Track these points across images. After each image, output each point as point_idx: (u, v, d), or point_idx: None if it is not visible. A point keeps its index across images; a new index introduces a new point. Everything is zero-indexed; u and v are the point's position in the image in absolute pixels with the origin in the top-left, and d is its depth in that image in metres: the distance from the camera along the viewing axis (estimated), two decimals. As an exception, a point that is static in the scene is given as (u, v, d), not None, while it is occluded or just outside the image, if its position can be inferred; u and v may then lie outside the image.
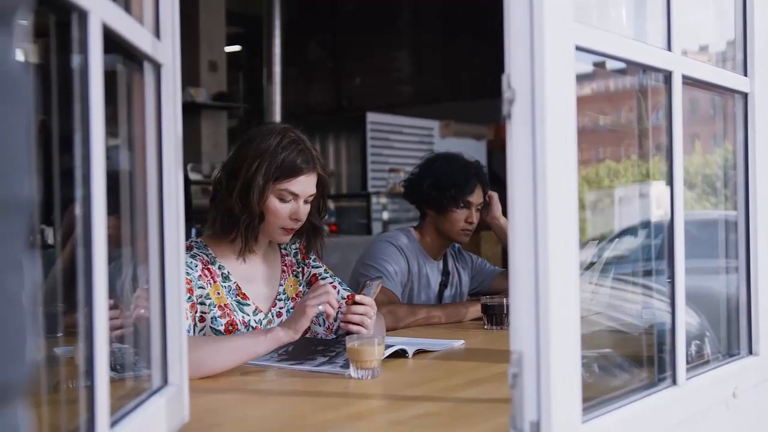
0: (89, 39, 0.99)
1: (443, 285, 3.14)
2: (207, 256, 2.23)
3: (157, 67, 1.34)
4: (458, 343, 2.36)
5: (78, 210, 0.99)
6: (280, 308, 2.33)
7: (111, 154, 1.07)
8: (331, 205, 7.81)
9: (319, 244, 2.39)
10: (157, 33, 1.34)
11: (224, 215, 2.22)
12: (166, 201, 1.36)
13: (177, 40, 1.39)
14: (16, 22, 0.56)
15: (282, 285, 2.35)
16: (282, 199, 2.20)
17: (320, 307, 1.99)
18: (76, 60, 1.00)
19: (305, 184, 2.22)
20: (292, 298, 2.36)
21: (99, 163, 1.01)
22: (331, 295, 2.02)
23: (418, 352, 2.19)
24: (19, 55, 0.56)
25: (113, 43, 1.10)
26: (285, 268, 2.38)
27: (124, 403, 1.22)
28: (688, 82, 1.59)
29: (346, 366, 1.92)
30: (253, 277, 2.30)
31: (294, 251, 2.43)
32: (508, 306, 2.67)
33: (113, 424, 1.09)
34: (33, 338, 0.57)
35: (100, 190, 1.01)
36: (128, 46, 1.20)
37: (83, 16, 0.99)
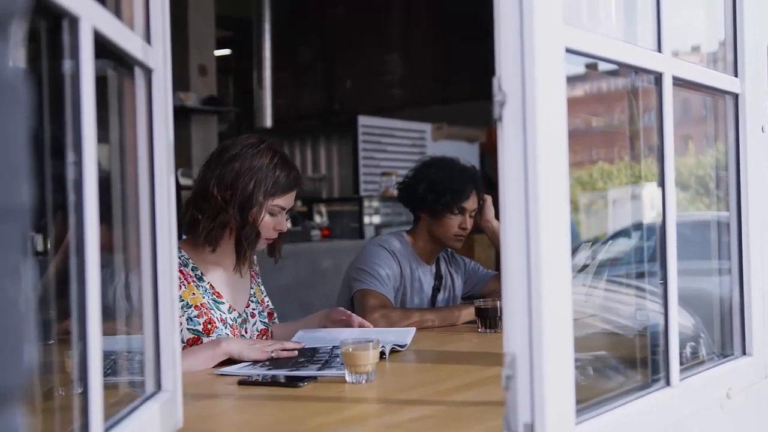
0: (80, 44, 0.99)
1: (436, 289, 3.13)
2: (180, 258, 2.26)
3: (148, 72, 1.34)
4: (410, 331, 2.40)
5: (70, 216, 0.99)
6: (253, 309, 2.44)
7: (101, 159, 1.06)
8: (323, 209, 7.80)
9: (280, 246, 2.46)
10: (147, 38, 1.34)
11: (219, 227, 2.27)
12: (158, 207, 1.35)
13: (168, 45, 1.39)
14: (12, 29, 0.56)
15: (252, 289, 2.47)
16: (272, 214, 2.31)
17: (273, 354, 2.13)
18: (66, 65, 1.00)
19: (293, 199, 2.37)
20: (260, 302, 2.48)
21: (91, 169, 1.01)
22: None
23: (394, 351, 2.22)
24: (15, 62, 0.56)
25: (103, 48, 1.10)
26: (253, 274, 2.50)
27: (117, 409, 1.22)
28: (679, 83, 1.59)
29: (342, 368, 1.91)
30: (227, 280, 2.38)
31: (255, 261, 2.54)
32: (501, 309, 2.68)
33: (107, 430, 1.09)
34: (30, 343, 0.57)
35: (92, 195, 1.01)
36: (119, 52, 1.19)
37: (74, 21, 0.99)
